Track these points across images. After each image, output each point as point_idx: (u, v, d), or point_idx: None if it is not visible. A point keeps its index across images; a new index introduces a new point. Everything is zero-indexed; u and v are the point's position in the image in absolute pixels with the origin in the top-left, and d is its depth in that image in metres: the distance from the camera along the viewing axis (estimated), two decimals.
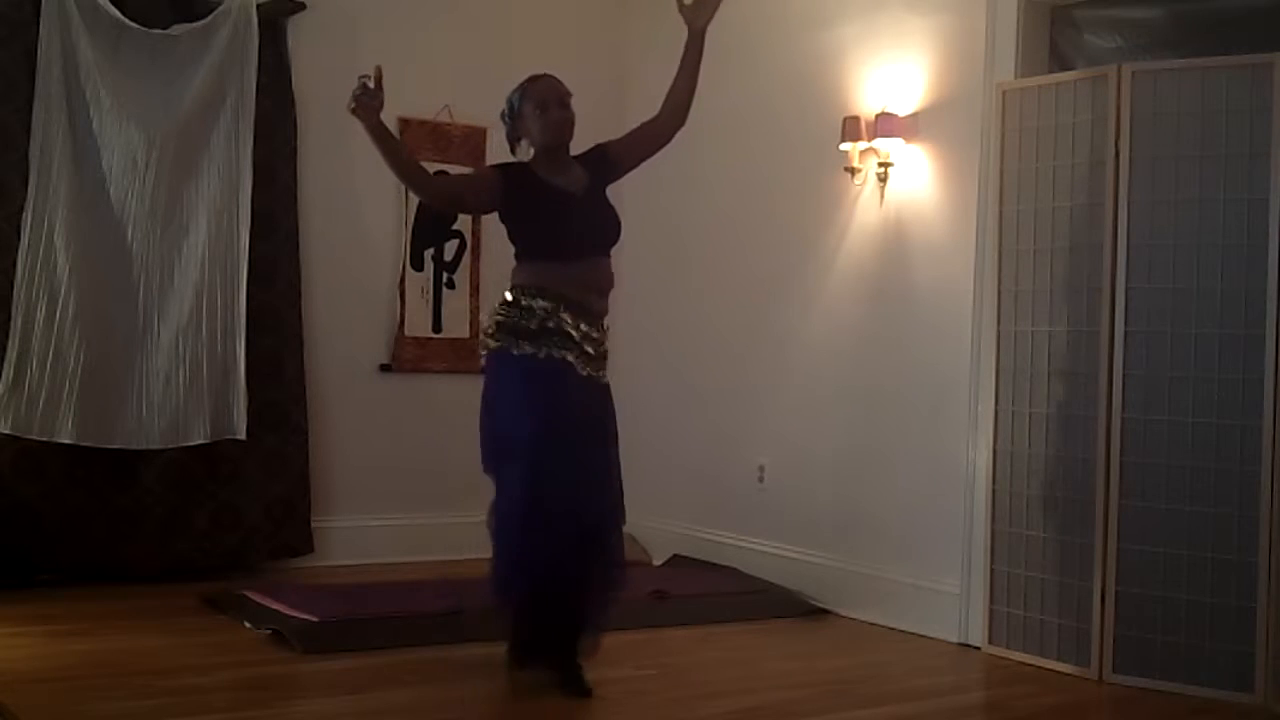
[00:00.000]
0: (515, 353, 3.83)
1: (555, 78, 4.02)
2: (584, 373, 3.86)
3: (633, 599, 4.80)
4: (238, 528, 5.48)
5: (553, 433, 3.76)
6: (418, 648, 4.30)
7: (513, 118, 4.04)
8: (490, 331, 3.92)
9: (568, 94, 3.99)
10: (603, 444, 3.95)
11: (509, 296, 3.91)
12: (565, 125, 3.98)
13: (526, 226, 3.96)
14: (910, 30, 5.14)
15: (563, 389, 3.82)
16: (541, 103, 3.96)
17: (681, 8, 3.99)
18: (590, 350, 3.88)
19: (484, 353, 3.97)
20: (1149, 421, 4.28)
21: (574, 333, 3.84)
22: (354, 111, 3.69)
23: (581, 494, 3.78)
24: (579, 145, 4.07)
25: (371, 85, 3.69)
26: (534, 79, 4.02)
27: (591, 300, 3.92)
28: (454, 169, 5.73)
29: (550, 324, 3.83)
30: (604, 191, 4.07)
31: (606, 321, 4.00)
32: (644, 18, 6.41)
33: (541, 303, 3.83)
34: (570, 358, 3.84)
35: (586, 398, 3.88)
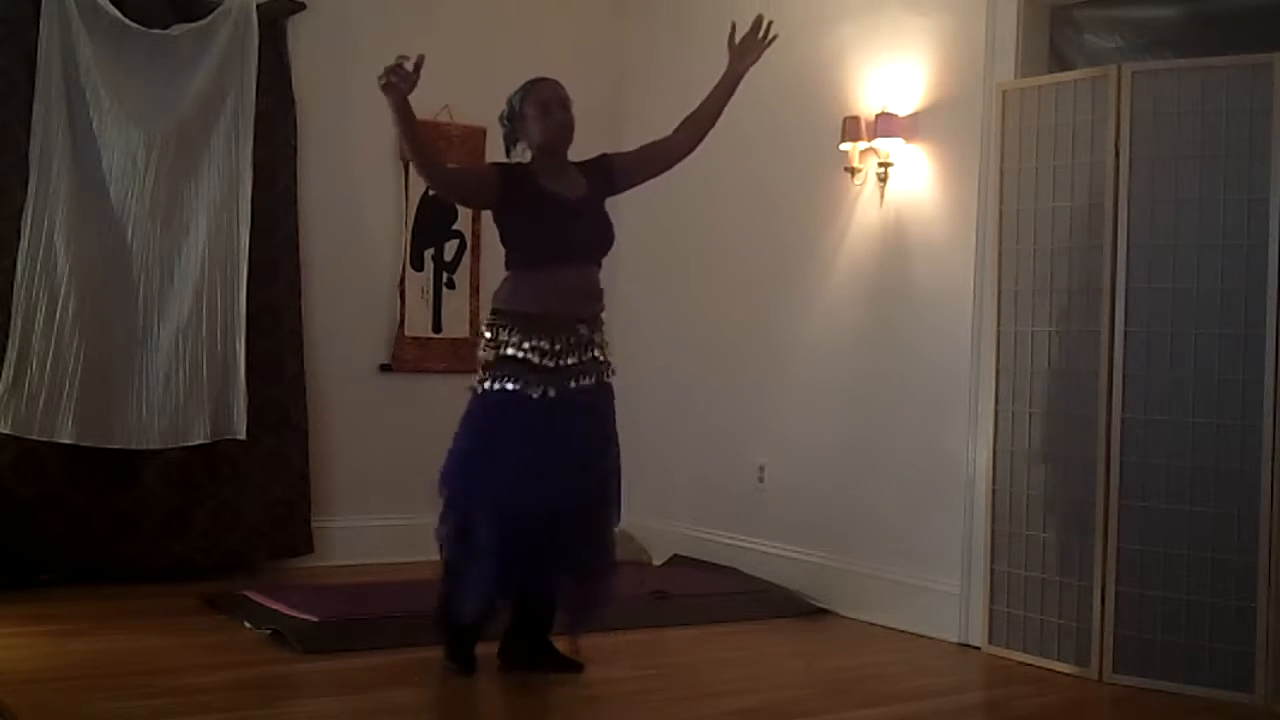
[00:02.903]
0: (487, 387, 3.86)
1: (557, 81, 4.03)
2: (549, 394, 3.83)
3: (633, 599, 4.82)
4: (238, 528, 5.48)
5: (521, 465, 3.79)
6: (418, 648, 4.30)
7: (512, 119, 4.04)
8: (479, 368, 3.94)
9: (569, 98, 4.00)
10: (597, 445, 3.96)
11: (484, 329, 3.94)
12: (566, 128, 3.98)
13: (517, 227, 3.96)
14: (910, 30, 5.14)
15: (522, 419, 3.82)
16: (544, 104, 3.96)
17: (730, 46, 4.04)
18: (552, 365, 3.85)
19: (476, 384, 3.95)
20: (1149, 421, 4.28)
21: (538, 359, 3.83)
22: (384, 88, 3.64)
23: (544, 490, 3.78)
24: (575, 148, 4.07)
25: (410, 69, 3.65)
26: (536, 81, 4.03)
27: (578, 306, 3.92)
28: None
29: (516, 354, 3.83)
30: (601, 201, 4.06)
31: (603, 320, 4.02)
32: (642, 20, 6.40)
33: (511, 336, 3.84)
34: (528, 388, 3.82)
35: (557, 417, 3.84)
